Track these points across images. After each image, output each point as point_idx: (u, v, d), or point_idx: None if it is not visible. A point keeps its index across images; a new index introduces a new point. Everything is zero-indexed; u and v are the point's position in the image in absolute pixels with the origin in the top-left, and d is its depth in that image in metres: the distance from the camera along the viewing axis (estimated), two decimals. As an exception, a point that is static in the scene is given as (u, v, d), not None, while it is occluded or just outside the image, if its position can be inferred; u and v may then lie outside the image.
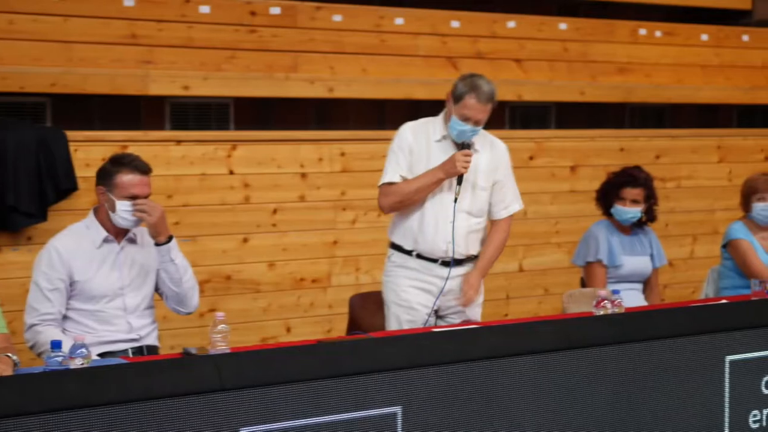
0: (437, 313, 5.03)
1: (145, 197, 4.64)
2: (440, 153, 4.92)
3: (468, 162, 4.83)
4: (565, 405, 4.12)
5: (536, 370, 4.06)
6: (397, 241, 5.03)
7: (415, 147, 4.93)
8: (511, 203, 5.12)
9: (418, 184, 4.88)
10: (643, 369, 4.31)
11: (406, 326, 4.94)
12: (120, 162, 4.65)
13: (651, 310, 5.12)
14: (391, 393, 3.74)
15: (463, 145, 4.86)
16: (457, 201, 4.90)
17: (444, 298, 4.98)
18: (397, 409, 3.75)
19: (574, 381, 4.14)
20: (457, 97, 4.82)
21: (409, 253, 4.99)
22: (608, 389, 4.22)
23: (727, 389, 4.53)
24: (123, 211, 4.58)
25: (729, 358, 4.53)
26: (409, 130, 4.98)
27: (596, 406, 4.19)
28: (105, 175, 4.64)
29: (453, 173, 4.85)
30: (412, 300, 4.96)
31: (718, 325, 4.56)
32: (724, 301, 5.33)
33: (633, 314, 4.70)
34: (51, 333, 4.39)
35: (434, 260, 4.96)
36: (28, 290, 4.60)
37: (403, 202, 4.91)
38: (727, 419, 4.54)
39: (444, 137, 4.94)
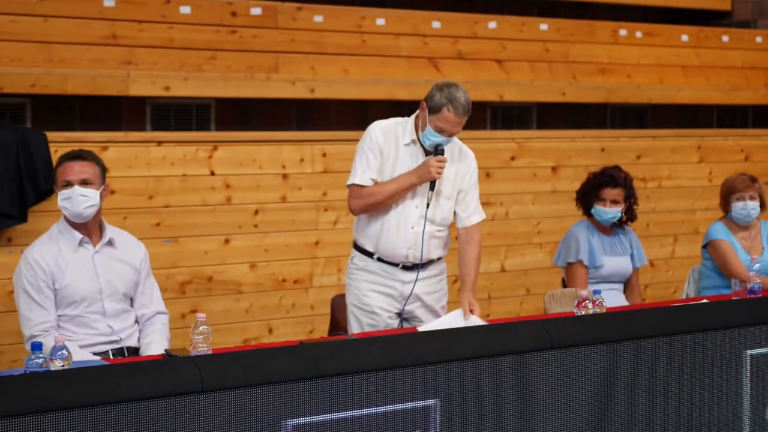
0: (402, 317, 5.01)
1: (81, 183, 4.57)
2: (408, 157, 4.89)
3: (442, 168, 4.81)
4: (548, 405, 4.13)
5: (518, 370, 4.06)
6: (360, 241, 5.01)
7: (385, 148, 4.89)
8: (473, 213, 5.04)
9: (391, 189, 4.83)
10: (625, 369, 4.32)
11: (367, 329, 4.93)
12: (61, 158, 4.66)
13: (632, 310, 5.13)
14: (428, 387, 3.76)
15: (436, 151, 4.84)
16: (427, 209, 4.89)
17: (407, 302, 4.96)
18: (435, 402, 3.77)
19: (556, 381, 4.15)
20: (433, 109, 4.75)
21: (370, 255, 4.97)
22: (590, 389, 4.23)
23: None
24: (61, 200, 4.57)
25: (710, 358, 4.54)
26: (379, 130, 4.93)
27: (578, 406, 4.20)
28: (55, 177, 4.65)
29: (427, 179, 4.82)
30: (373, 304, 4.94)
31: (699, 325, 4.57)
32: (704, 301, 5.35)
33: (615, 314, 4.71)
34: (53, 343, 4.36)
35: (395, 264, 4.94)
36: (8, 292, 4.58)
37: (375, 206, 4.88)
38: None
39: (413, 141, 4.90)
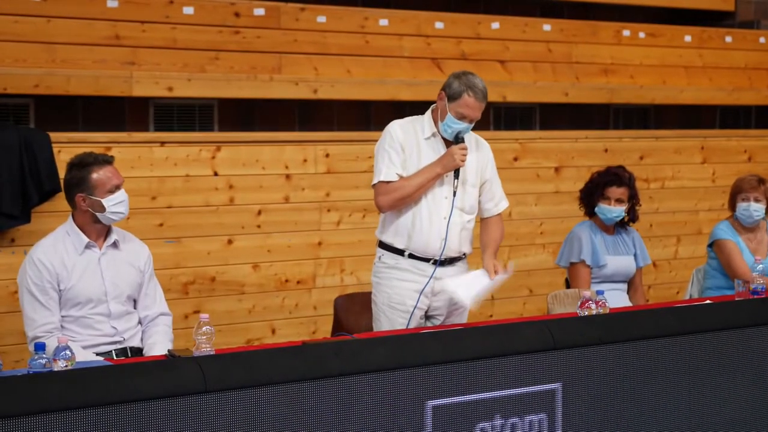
0: (426, 313, 5.03)
1: (121, 184, 4.65)
2: (430, 151, 4.94)
3: (465, 155, 4.87)
4: (548, 405, 4.13)
5: (523, 370, 4.07)
6: (388, 240, 5.01)
7: (407, 145, 4.94)
8: (500, 200, 5.17)
9: (418, 181, 4.87)
10: (630, 369, 4.32)
11: (398, 327, 4.93)
12: (85, 163, 4.62)
13: (636, 310, 5.12)
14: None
15: (457, 139, 4.89)
16: (455, 195, 4.92)
17: (435, 299, 4.98)
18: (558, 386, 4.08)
19: (559, 381, 4.15)
20: (453, 96, 4.84)
21: (401, 252, 4.97)
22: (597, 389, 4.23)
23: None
24: (113, 205, 4.57)
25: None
26: (398, 127, 4.98)
27: (580, 407, 4.20)
28: (78, 183, 4.59)
29: (451, 167, 4.87)
30: (408, 303, 4.94)
31: (703, 325, 4.57)
32: (708, 301, 5.34)
33: (618, 315, 4.70)
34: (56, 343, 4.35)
35: (426, 260, 4.95)
36: (11, 293, 4.58)
37: (404, 199, 4.90)
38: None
39: (433, 135, 4.96)
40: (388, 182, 4.91)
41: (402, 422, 3.79)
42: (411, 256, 4.96)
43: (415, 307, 4.93)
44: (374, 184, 4.97)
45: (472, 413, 3.95)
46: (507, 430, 4.01)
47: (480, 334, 4.22)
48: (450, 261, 4.99)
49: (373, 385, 3.74)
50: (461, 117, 4.84)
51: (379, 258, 5.06)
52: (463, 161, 4.86)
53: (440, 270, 4.95)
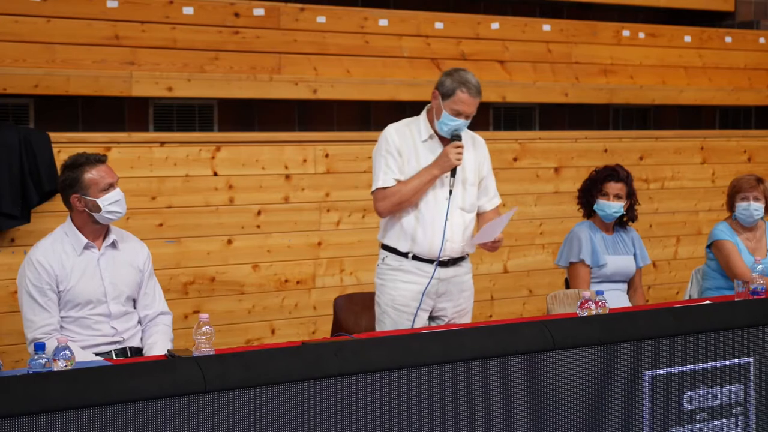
0: (430, 314, 5.03)
1: (116, 183, 4.63)
2: (428, 153, 4.94)
3: (460, 153, 4.87)
4: (548, 405, 4.13)
5: (518, 371, 4.07)
6: (391, 243, 5.01)
7: (404, 148, 4.93)
8: (494, 197, 5.18)
9: (416, 184, 4.88)
10: (626, 370, 4.32)
11: (403, 329, 4.92)
12: (78, 163, 4.61)
13: (635, 311, 5.12)
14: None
15: (453, 138, 4.88)
16: (451, 195, 4.92)
17: (439, 300, 4.98)
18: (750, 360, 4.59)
19: (558, 382, 4.15)
20: (446, 94, 4.85)
21: (405, 255, 4.98)
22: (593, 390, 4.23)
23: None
24: (109, 204, 4.56)
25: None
26: (394, 132, 4.97)
27: (580, 408, 4.20)
28: (71, 184, 4.58)
29: (448, 167, 4.88)
30: (413, 305, 4.95)
31: (702, 326, 4.57)
32: (707, 302, 5.34)
33: (616, 315, 4.70)
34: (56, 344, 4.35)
35: (430, 261, 4.95)
36: (11, 293, 4.57)
37: (402, 204, 4.90)
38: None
39: (431, 137, 4.95)
40: (386, 188, 4.90)
41: (622, 392, 4.28)
42: (415, 257, 4.96)
43: (418, 308, 4.93)
44: (373, 191, 4.97)
45: (682, 383, 4.43)
46: (710, 397, 4.51)
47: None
48: (453, 261, 4.99)
49: (372, 385, 3.74)
50: (457, 114, 4.84)
51: (383, 260, 5.06)
52: (459, 160, 4.86)
53: (442, 271, 4.95)
